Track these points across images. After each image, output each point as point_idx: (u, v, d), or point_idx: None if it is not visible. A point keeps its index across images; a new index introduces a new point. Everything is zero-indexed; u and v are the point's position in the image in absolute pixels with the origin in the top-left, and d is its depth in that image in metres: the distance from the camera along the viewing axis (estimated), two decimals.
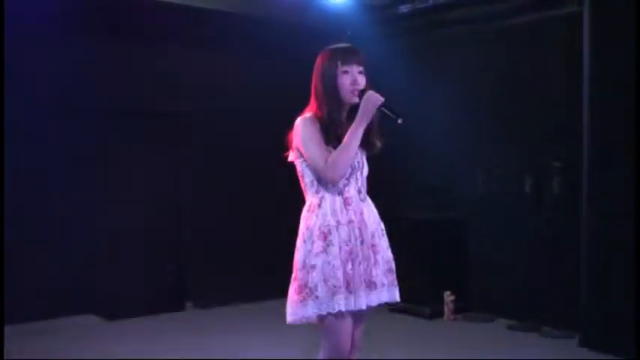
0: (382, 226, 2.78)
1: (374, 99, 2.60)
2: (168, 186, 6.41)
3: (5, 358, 3.98)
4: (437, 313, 5.95)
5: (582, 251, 5.02)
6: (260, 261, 6.50)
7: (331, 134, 2.62)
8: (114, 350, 4.95)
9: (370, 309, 2.68)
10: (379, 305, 2.71)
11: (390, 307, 5.99)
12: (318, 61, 2.72)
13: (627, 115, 4.68)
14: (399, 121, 2.59)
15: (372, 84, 2.68)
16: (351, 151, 2.58)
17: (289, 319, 2.62)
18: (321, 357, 2.67)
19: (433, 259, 6.04)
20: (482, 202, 5.96)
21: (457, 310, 5.93)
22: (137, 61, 6.07)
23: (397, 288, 2.75)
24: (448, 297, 5.93)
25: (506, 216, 5.85)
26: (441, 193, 6.24)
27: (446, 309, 5.93)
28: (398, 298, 2.74)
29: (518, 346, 5.06)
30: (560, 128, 5.43)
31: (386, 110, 2.61)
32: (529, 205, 5.58)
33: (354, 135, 2.58)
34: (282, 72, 6.16)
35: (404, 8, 6.31)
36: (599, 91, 4.92)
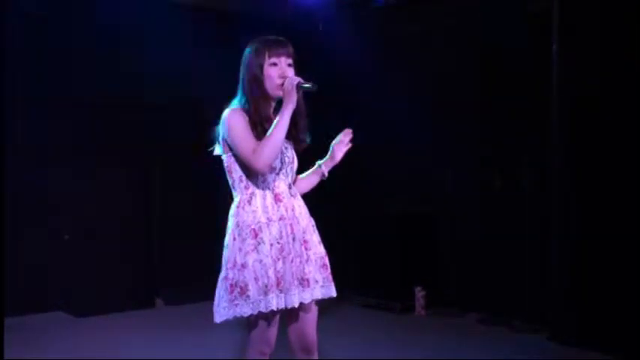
0: (313, 222, 2.71)
1: (291, 80, 2.53)
2: (138, 182, 6.35)
3: None
4: (408, 308, 5.91)
5: (552, 245, 5.01)
6: None
7: (259, 129, 2.55)
8: (82, 347, 4.91)
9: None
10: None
11: (361, 303, 5.98)
12: (246, 52, 2.63)
13: (596, 109, 4.71)
14: (314, 88, 2.53)
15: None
16: (278, 137, 2.49)
17: (219, 319, 2.58)
18: (248, 352, 2.64)
19: (403, 255, 5.99)
20: (452, 197, 5.95)
21: (428, 305, 5.90)
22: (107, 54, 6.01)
23: (333, 284, 2.68)
24: (419, 292, 5.91)
25: (476, 210, 5.82)
26: (410, 188, 6.19)
27: (417, 304, 5.91)
28: (334, 294, 2.68)
29: (488, 340, 5.07)
30: (532, 124, 5.40)
31: (305, 85, 2.54)
32: (499, 200, 5.57)
33: (280, 121, 2.51)
34: None
35: (377, 2, 6.26)
36: (568, 87, 4.91)
